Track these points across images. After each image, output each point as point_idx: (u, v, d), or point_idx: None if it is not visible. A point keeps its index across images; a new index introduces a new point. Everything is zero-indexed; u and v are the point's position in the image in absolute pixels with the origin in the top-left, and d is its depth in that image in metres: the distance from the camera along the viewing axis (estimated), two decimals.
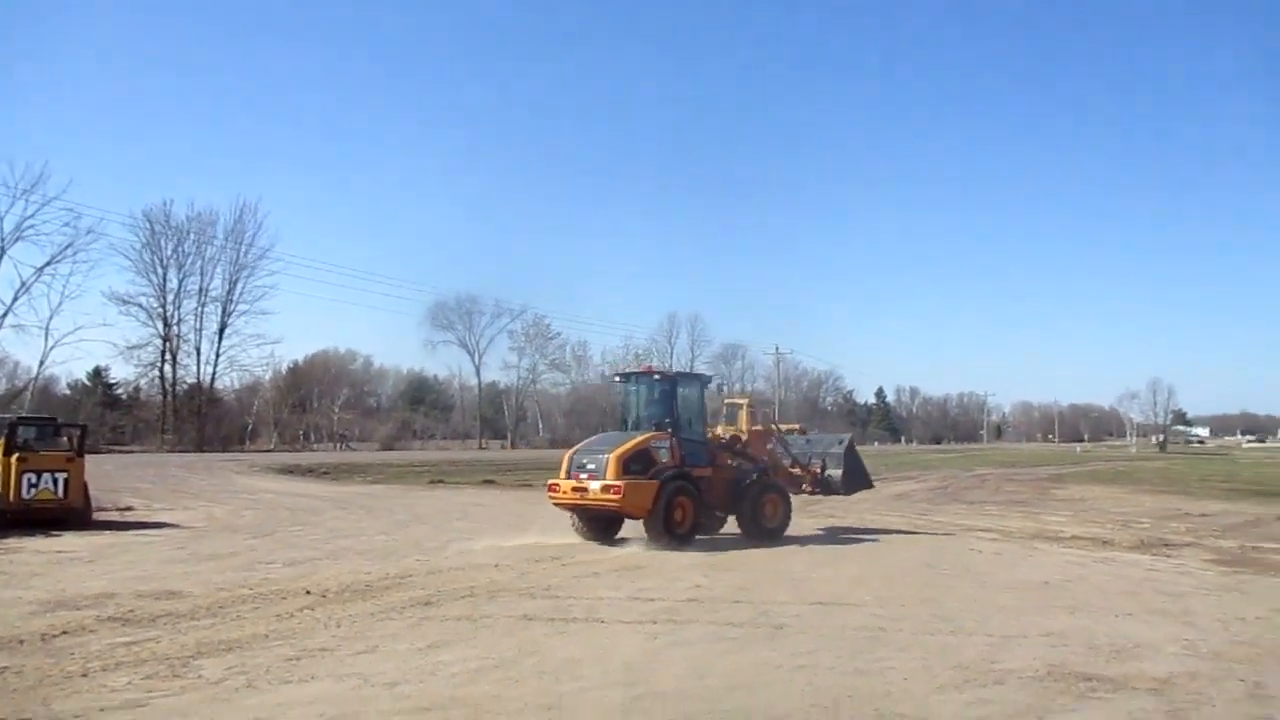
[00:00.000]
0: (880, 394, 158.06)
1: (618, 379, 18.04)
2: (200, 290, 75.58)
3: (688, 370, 14.88)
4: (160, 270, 73.73)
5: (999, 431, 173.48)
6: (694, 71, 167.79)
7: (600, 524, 15.97)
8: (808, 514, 22.40)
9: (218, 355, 76.08)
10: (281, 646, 8.14)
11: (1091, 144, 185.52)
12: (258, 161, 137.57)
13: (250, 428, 79.83)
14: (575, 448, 16.55)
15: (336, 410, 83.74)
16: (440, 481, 34.97)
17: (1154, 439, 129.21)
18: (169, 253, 74.15)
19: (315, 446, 78.76)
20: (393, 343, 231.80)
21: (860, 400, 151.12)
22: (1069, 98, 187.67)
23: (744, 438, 18.06)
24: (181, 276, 74.65)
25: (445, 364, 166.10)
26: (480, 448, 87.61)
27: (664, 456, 15.42)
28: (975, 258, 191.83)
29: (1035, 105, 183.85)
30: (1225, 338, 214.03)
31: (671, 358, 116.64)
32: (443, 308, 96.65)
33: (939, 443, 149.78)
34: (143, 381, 76.00)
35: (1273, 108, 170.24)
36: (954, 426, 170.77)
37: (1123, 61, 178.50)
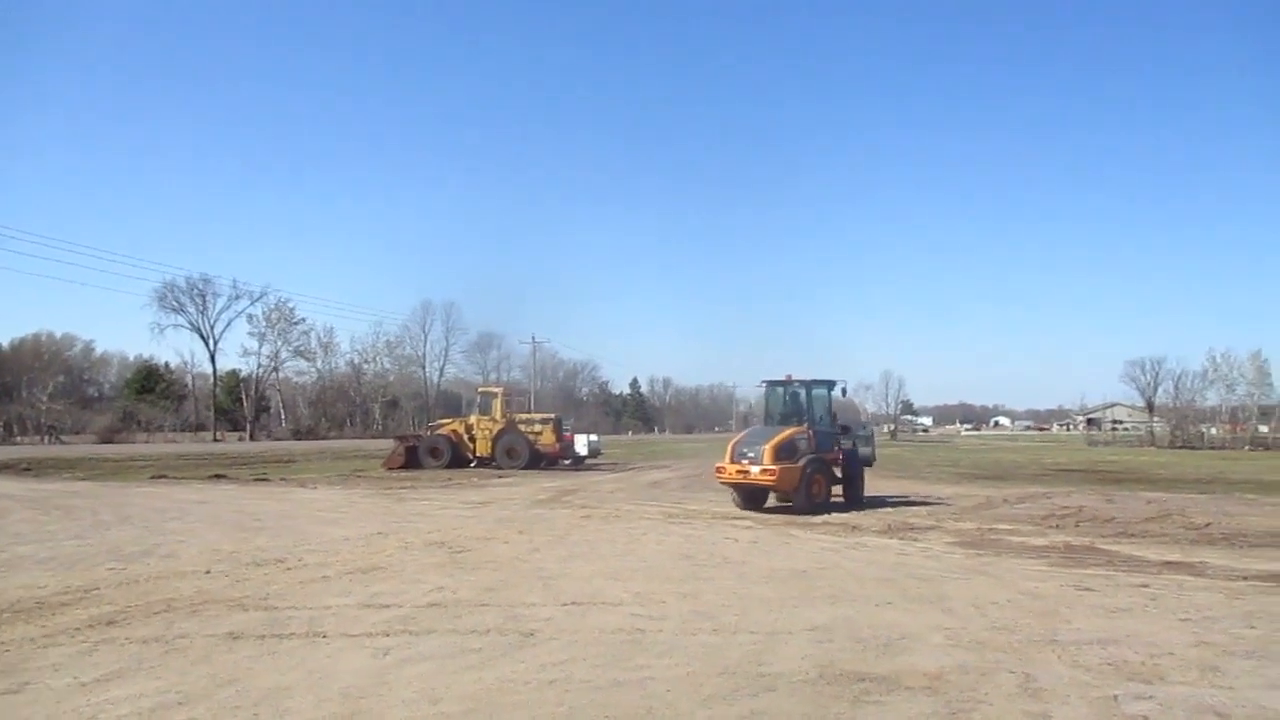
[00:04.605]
0: (635, 385, 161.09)
1: (764, 383, 22.14)
2: None
3: (818, 378, 19.05)
4: None
5: (746, 421, 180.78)
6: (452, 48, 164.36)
7: (754, 497, 20.39)
8: (563, 504, 21.63)
9: None
10: None
11: (826, 145, 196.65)
12: None
13: None
14: (735, 440, 20.78)
15: (45, 400, 75.33)
16: (163, 477, 31.62)
17: (886, 428, 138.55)
18: None
19: (19, 440, 70.51)
20: (118, 328, 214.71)
21: (615, 391, 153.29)
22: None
23: (864, 420, 21.90)
24: None
25: (176, 350, 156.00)
26: (215, 440, 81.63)
27: (803, 445, 19.80)
28: (723, 253, 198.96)
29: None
30: (946, 334, 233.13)
31: (426, 345, 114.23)
32: (173, 288, 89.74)
33: (690, 431, 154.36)
34: None
35: (995, 108, 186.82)
36: (705, 416, 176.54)
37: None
